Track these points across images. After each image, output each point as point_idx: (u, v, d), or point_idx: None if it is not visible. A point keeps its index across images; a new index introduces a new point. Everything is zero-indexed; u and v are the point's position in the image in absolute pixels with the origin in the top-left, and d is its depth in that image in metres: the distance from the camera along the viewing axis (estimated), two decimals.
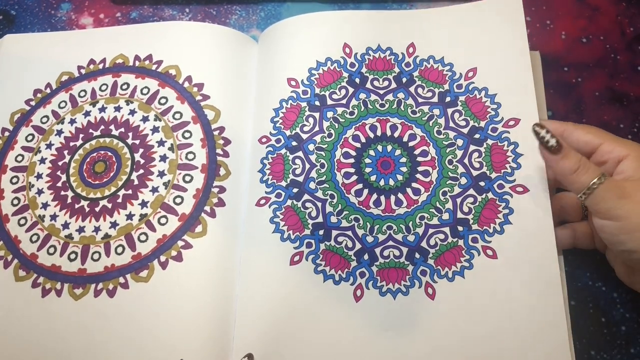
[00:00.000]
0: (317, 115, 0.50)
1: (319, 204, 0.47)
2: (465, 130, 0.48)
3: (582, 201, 0.41)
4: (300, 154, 0.49)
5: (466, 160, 0.47)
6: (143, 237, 0.49)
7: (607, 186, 0.39)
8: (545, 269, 0.43)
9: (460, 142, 0.48)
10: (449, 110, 0.49)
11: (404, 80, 0.50)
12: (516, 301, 0.43)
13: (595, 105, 0.53)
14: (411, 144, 0.48)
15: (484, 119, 0.48)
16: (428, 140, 0.48)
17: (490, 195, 0.46)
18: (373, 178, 0.48)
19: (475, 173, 0.47)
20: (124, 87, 0.54)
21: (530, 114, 0.47)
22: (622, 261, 0.43)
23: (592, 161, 0.43)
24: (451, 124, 0.48)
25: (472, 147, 0.47)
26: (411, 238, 0.46)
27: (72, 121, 0.54)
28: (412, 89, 0.50)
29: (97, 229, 0.50)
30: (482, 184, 0.46)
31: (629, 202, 0.38)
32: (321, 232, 0.47)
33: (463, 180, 0.47)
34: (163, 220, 0.49)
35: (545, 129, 0.41)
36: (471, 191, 0.46)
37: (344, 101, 0.50)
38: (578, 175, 0.40)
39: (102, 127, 0.53)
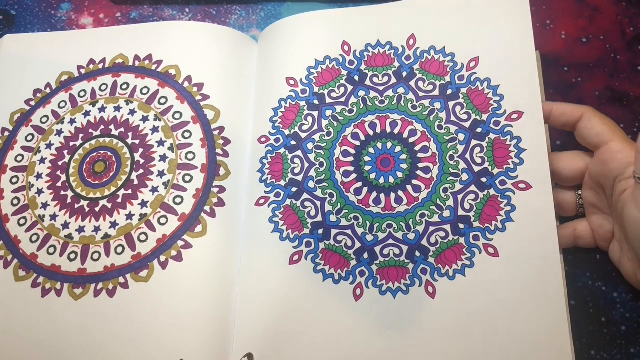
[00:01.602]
0: (316, 114, 0.50)
1: (318, 203, 0.47)
2: (467, 124, 0.48)
3: (636, 181, 0.39)
4: (299, 153, 0.49)
5: (468, 156, 0.47)
6: (143, 237, 0.49)
7: None
8: (547, 267, 0.43)
9: (461, 136, 0.47)
10: (451, 104, 0.48)
11: (405, 74, 0.50)
12: (517, 300, 0.43)
13: (595, 105, 0.53)
14: (411, 140, 0.48)
15: (486, 112, 0.47)
16: (429, 136, 0.48)
17: (492, 192, 0.45)
18: (372, 176, 0.48)
19: (477, 169, 0.46)
20: (124, 87, 0.54)
21: (535, 106, 0.46)
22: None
23: (597, 157, 0.43)
24: (452, 118, 0.48)
25: (474, 142, 0.47)
26: (411, 236, 0.45)
27: (72, 121, 0.54)
28: (412, 83, 0.49)
29: (97, 229, 0.50)
30: (483, 180, 0.46)
31: None
32: (320, 231, 0.47)
33: (464, 177, 0.46)
34: (163, 220, 0.49)
35: None
36: (472, 188, 0.46)
37: (342, 99, 0.50)
38: None
39: (102, 127, 0.53)
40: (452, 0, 0.51)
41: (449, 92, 0.49)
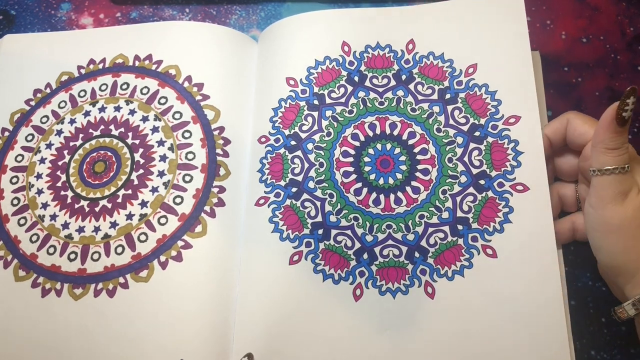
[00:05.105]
0: (315, 114, 0.50)
1: (318, 203, 0.47)
2: (465, 128, 0.48)
3: (591, 175, 0.40)
4: (299, 153, 0.49)
5: (466, 158, 0.47)
6: (143, 237, 0.49)
7: (619, 179, 0.39)
8: (545, 268, 0.43)
9: (460, 139, 0.48)
10: (449, 108, 0.49)
11: (404, 77, 0.50)
12: (516, 300, 0.43)
13: (596, 105, 0.53)
14: (411, 142, 0.48)
15: (484, 116, 0.48)
16: (428, 138, 0.48)
17: (490, 193, 0.46)
18: (372, 177, 0.48)
19: (475, 171, 0.47)
20: (124, 87, 0.54)
21: (531, 111, 0.47)
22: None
23: (584, 154, 0.43)
24: (451, 122, 0.48)
25: (472, 145, 0.47)
26: (411, 237, 0.46)
27: (72, 121, 0.54)
28: (411, 86, 0.50)
29: (97, 229, 0.50)
30: (482, 182, 0.46)
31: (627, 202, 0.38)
32: (320, 231, 0.47)
33: (463, 179, 0.47)
34: (163, 220, 0.49)
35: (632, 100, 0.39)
36: (471, 190, 0.46)
37: (342, 100, 0.50)
38: (614, 153, 0.39)
39: (102, 127, 0.53)
40: (450, 8, 0.51)
41: (448, 96, 0.49)
